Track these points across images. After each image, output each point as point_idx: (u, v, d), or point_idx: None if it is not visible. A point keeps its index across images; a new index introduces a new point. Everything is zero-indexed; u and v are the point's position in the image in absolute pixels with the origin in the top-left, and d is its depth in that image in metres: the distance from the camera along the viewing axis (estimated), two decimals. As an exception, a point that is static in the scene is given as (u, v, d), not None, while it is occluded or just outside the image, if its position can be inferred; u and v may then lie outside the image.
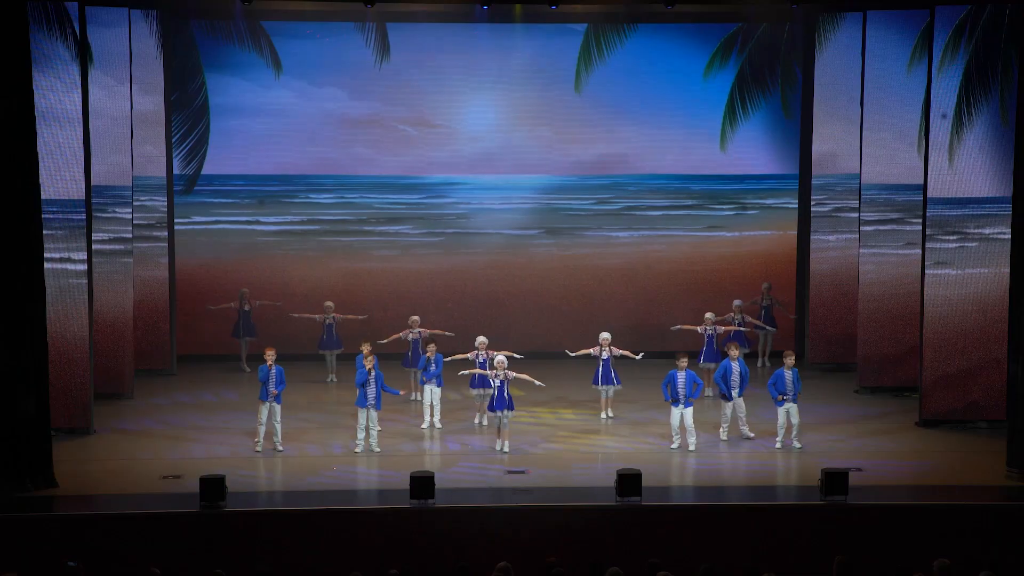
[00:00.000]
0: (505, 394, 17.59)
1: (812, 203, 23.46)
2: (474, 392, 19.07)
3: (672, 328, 21.33)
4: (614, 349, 19.62)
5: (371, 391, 17.24)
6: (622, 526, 15.01)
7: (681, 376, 17.62)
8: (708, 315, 21.39)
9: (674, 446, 17.74)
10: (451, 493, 15.47)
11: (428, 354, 18.93)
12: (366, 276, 24.15)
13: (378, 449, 17.41)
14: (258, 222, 23.93)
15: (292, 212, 23.99)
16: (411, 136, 23.86)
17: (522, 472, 16.65)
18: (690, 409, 17.68)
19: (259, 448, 17.38)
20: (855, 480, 15.59)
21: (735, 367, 18.00)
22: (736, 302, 22.07)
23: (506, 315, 24.15)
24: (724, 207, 24.38)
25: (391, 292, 24.13)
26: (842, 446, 18.15)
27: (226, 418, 19.55)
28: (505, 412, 17.57)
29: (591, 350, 19.68)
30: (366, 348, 18.31)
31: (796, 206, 24.25)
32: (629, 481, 15.13)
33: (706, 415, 19.02)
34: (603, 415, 19.68)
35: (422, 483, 15.12)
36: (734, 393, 18.05)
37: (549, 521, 14.99)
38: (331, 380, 21.96)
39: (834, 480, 15.28)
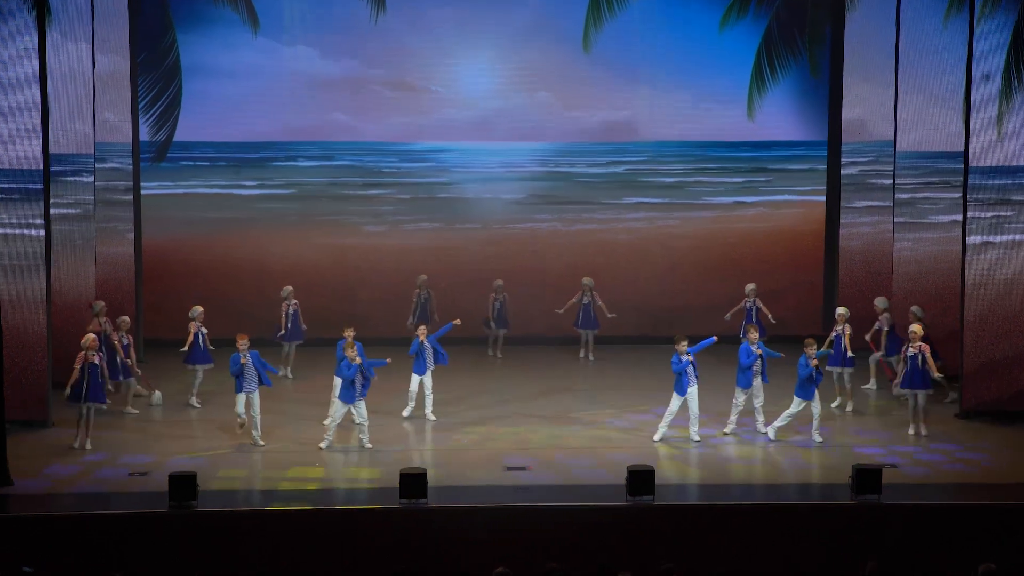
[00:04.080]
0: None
1: (842, 172, 23.48)
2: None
3: (726, 318, 21.61)
4: (596, 296, 22.11)
5: (359, 383, 17.20)
6: (633, 528, 15.00)
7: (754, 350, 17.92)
8: (750, 286, 21.71)
9: (726, 431, 18.16)
10: (445, 492, 15.48)
11: (420, 336, 18.84)
12: (352, 253, 24.16)
13: (370, 446, 17.41)
14: (233, 195, 23.95)
15: (271, 183, 23.96)
16: (401, 100, 23.85)
17: (523, 468, 16.60)
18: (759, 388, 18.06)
19: (261, 442, 17.49)
20: (889, 477, 15.54)
21: (755, 351, 17.98)
22: (749, 286, 22.03)
23: (505, 294, 24.03)
24: (746, 177, 24.37)
25: (378, 270, 24.13)
26: (874, 439, 18.14)
27: (199, 409, 19.58)
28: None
29: (573, 298, 22.26)
30: (350, 333, 18.23)
31: (824, 176, 24.25)
32: (641, 478, 15.05)
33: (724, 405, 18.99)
34: (581, 354, 22.43)
35: (413, 481, 15.06)
36: (755, 381, 18.02)
37: (552, 523, 14.99)
38: (287, 376, 21.49)
39: (866, 477, 15.20)
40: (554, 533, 14.90)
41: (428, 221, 24.30)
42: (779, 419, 17.88)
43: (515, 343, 23.41)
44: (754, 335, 18.18)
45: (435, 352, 18.90)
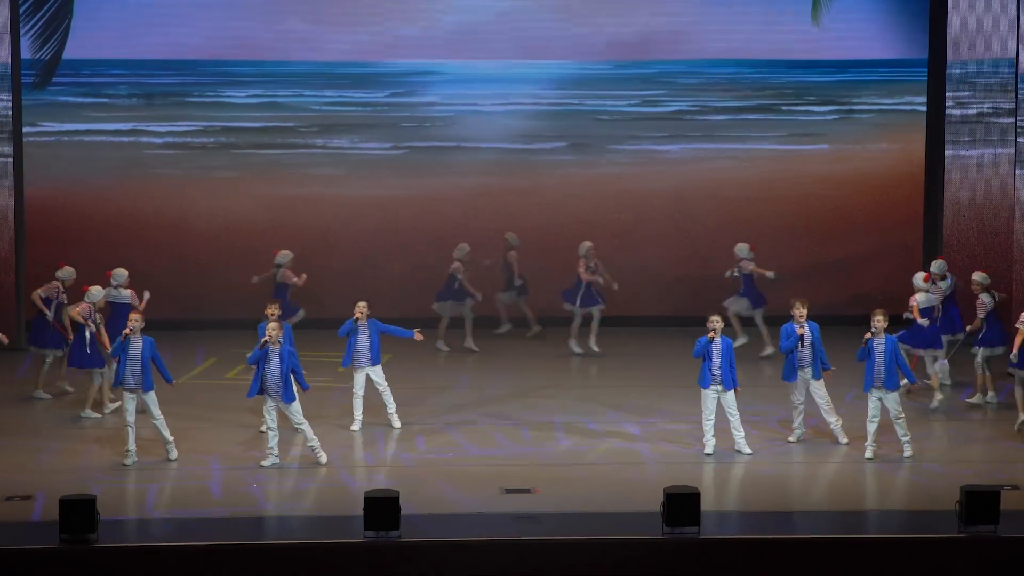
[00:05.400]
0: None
1: (947, 101, 23.50)
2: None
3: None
4: (599, 265, 22.52)
5: (272, 376, 17.28)
6: (673, 568, 14.98)
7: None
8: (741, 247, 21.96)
9: (791, 440, 18.32)
10: (423, 522, 15.41)
11: (357, 317, 18.82)
12: (301, 207, 24.25)
13: (324, 461, 17.48)
14: (144, 130, 24.03)
15: (194, 116, 24.02)
16: (367, 5, 23.94)
17: (526, 491, 16.59)
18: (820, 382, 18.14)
19: (173, 455, 17.53)
20: (1010, 503, 15.48)
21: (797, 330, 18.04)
22: (740, 247, 22.13)
23: (501, 267, 24.10)
24: (819, 109, 24.51)
25: (337, 231, 24.25)
26: (983, 453, 18.21)
27: (97, 413, 19.64)
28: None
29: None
30: (272, 311, 18.12)
31: (923, 107, 24.32)
32: (682, 504, 15.02)
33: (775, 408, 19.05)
34: (571, 343, 22.69)
35: (381, 507, 14.99)
36: (802, 373, 18.06)
37: (567, 562, 14.93)
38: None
39: (980, 503, 15.10)
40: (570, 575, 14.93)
41: (402, 167, 24.41)
42: (901, 431, 17.82)
43: (512, 325, 23.58)
44: (801, 309, 18.14)
45: (371, 345, 18.73)
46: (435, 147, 24.42)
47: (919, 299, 20.22)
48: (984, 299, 19.96)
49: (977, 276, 20.00)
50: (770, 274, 22.20)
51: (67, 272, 20.47)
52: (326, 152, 24.34)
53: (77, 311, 19.47)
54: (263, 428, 17.88)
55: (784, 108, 24.51)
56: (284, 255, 22.08)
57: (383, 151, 24.41)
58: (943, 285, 20.53)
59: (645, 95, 24.47)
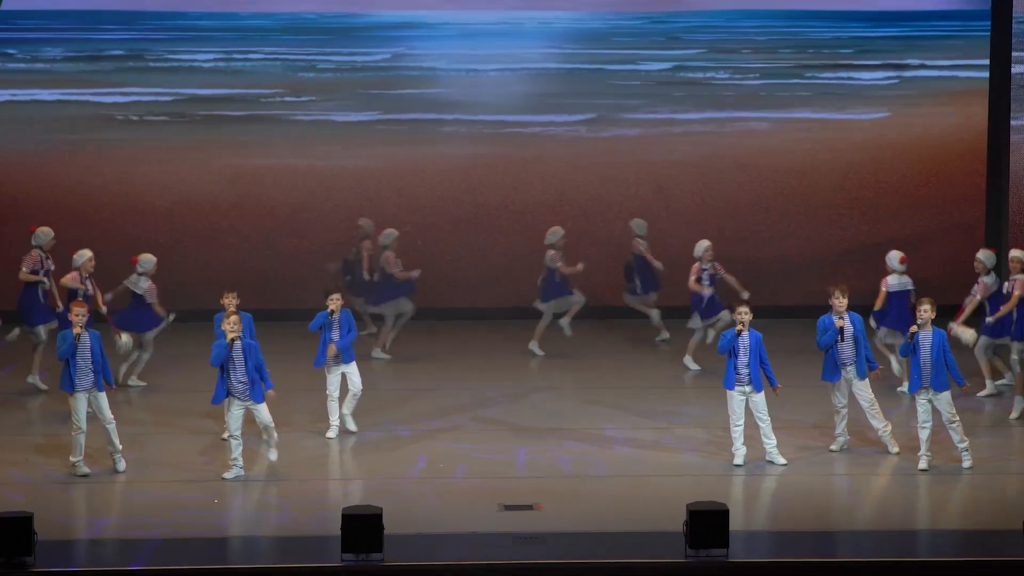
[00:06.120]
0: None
1: (1013, 60, 23.68)
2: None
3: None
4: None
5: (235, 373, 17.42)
6: (696, 598, 15.15)
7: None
8: (703, 244, 21.88)
9: (833, 448, 18.34)
10: (409, 543, 15.40)
11: (332, 310, 18.86)
12: (269, 180, 24.40)
13: (274, 458, 17.50)
14: (89, 94, 24.15)
15: (144, 79, 24.20)
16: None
17: (528, 508, 16.63)
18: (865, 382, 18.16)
19: (122, 466, 17.63)
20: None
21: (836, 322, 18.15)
22: (702, 246, 21.96)
23: (502, 248, 24.41)
24: (866, 69, 24.68)
25: (311, 208, 24.40)
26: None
27: (30, 419, 19.79)
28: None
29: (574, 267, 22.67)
30: (230, 301, 18.31)
31: (986, 68, 24.44)
32: (708, 522, 15.01)
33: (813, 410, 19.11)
34: (533, 345, 22.79)
35: (361, 525, 15.01)
36: (844, 372, 18.13)
37: (574, 590, 15.26)
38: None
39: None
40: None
41: (386, 136, 24.52)
42: (957, 437, 17.84)
43: (504, 317, 23.78)
44: (841, 299, 18.12)
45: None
46: (425, 112, 24.53)
47: (890, 281, 20.51)
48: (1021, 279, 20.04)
49: (1017, 252, 19.97)
50: (658, 264, 22.82)
51: (43, 234, 20.59)
52: (299, 118, 24.45)
53: (69, 278, 19.80)
54: (225, 436, 17.93)
55: (825, 69, 24.67)
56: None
57: (363, 117, 24.53)
58: (988, 280, 20.43)
59: (664, 53, 24.65)
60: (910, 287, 20.55)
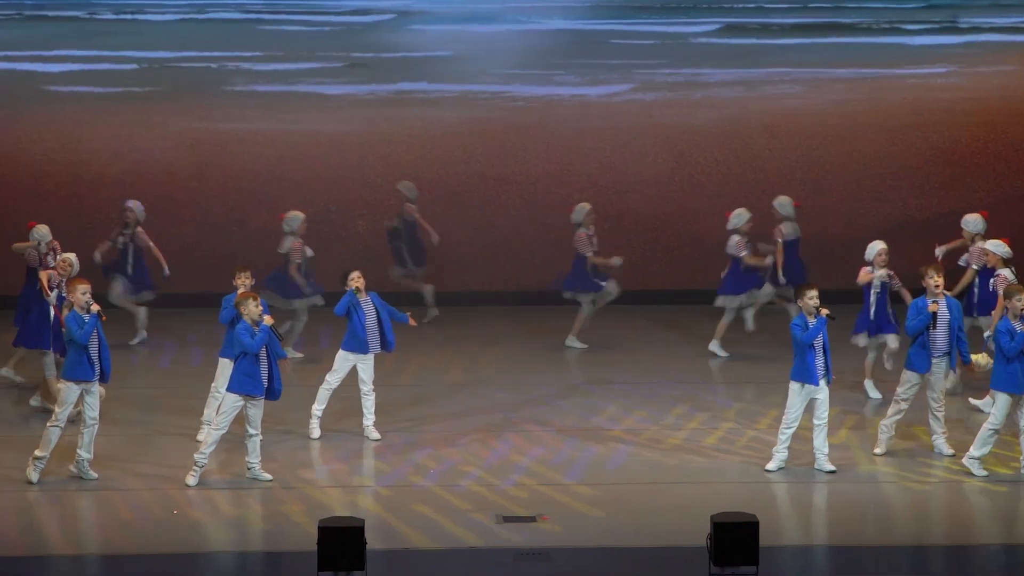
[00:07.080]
0: None
1: None
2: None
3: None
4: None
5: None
6: (721, 621, 15.07)
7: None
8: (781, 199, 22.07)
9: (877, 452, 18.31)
10: (395, 559, 15.52)
11: (355, 285, 18.93)
12: (234, 148, 24.47)
13: (268, 477, 17.60)
14: (38, 57, 24.44)
15: (97, 41, 24.42)
16: None
17: (530, 519, 16.66)
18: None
19: (93, 474, 17.60)
20: None
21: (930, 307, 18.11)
22: (735, 218, 22.05)
23: (499, 225, 24.50)
24: (917, 28, 24.84)
25: (283, 179, 24.40)
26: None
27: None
28: None
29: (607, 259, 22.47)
30: (244, 280, 18.51)
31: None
32: (735, 535, 14.96)
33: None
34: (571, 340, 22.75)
35: (340, 539, 15.04)
36: (936, 363, 18.12)
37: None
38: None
39: None
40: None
41: (369, 98, 24.66)
42: (980, 439, 17.84)
43: (505, 303, 23.96)
44: (936, 277, 18.14)
45: (381, 324, 18.95)
46: (413, 71, 24.66)
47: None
48: None
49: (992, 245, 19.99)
50: (434, 235, 23.22)
51: (41, 232, 20.52)
52: (269, 76, 24.54)
53: (46, 279, 19.76)
54: (200, 436, 17.94)
55: (867, 23, 24.78)
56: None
57: (342, 82, 24.73)
58: (1006, 272, 20.47)
59: (685, 5, 24.86)
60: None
